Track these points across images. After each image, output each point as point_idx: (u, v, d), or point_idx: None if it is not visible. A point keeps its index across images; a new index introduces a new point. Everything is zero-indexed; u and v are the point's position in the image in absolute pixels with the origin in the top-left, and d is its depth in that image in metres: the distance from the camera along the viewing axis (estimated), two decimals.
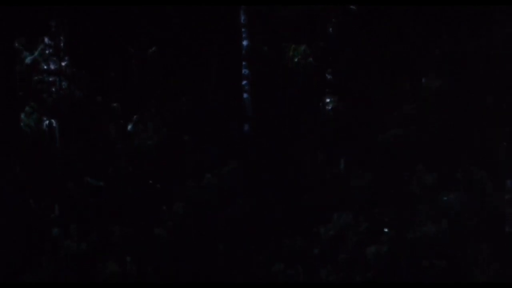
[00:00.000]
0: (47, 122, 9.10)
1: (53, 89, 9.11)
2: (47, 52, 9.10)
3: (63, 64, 9.12)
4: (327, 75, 10.09)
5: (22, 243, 8.71)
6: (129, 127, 9.35)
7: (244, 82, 10.08)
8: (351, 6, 10.04)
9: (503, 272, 8.44)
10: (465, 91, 9.91)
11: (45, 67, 9.07)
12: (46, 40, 9.12)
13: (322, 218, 9.31)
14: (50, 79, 9.09)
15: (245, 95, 10.04)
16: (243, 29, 10.12)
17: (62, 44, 9.10)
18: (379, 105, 9.92)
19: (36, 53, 9.06)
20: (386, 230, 9.17)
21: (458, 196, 9.21)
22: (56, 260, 8.63)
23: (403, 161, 9.64)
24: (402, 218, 9.28)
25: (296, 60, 10.13)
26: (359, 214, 9.29)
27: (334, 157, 9.80)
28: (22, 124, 9.05)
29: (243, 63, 10.05)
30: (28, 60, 9.04)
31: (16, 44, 9.13)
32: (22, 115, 9.05)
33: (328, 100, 9.99)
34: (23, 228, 8.78)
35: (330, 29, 10.20)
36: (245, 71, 10.10)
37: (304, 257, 9.15)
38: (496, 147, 9.60)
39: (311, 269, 9.06)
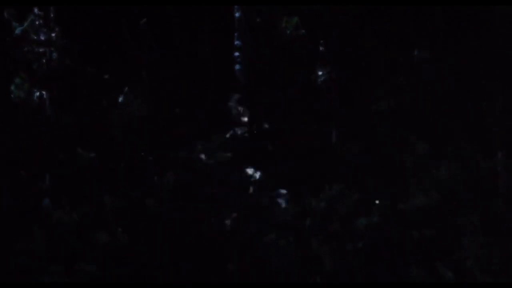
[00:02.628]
0: (37, 93, 9.10)
1: (44, 60, 9.09)
2: (37, 23, 9.07)
3: (53, 35, 9.10)
4: (320, 47, 10.06)
5: (13, 213, 8.76)
6: (120, 98, 9.35)
7: (236, 54, 10.06)
8: None
9: (491, 243, 8.48)
10: (458, 62, 9.89)
11: (35, 37, 9.05)
12: (35, 10, 9.08)
13: (314, 189, 9.34)
14: (41, 50, 9.07)
15: (237, 67, 10.03)
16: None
17: (52, 15, 9.08)
18: (372, 76, 9.91)
19: (26, 24, 9.04)
20: (377, 201, 9.19)
21: (450, 167, 9.23)
22: (47, 230, 8.68)
23: (396, 132, 9.65)
24: (394, 189, 9.30)
25: (289, 32, 10.10)
26: (351, 185, 9.32)
27: (326, 128, 9.81)
28: (12, 95, 9.06)
29: (235, 34, 10.04)
30: (18, 31, 9.03)
31: (5, 15, 9.12)
32: (12, 86, 9.04)
33: (320, 73, 9.97)
34: (14, 198, 8.83)
35: None
36: (237, 42, 10.08)
37: (296, 227, 9.19)
38: (488, 118, 9.60)
39: (303, 240, 9.10)
